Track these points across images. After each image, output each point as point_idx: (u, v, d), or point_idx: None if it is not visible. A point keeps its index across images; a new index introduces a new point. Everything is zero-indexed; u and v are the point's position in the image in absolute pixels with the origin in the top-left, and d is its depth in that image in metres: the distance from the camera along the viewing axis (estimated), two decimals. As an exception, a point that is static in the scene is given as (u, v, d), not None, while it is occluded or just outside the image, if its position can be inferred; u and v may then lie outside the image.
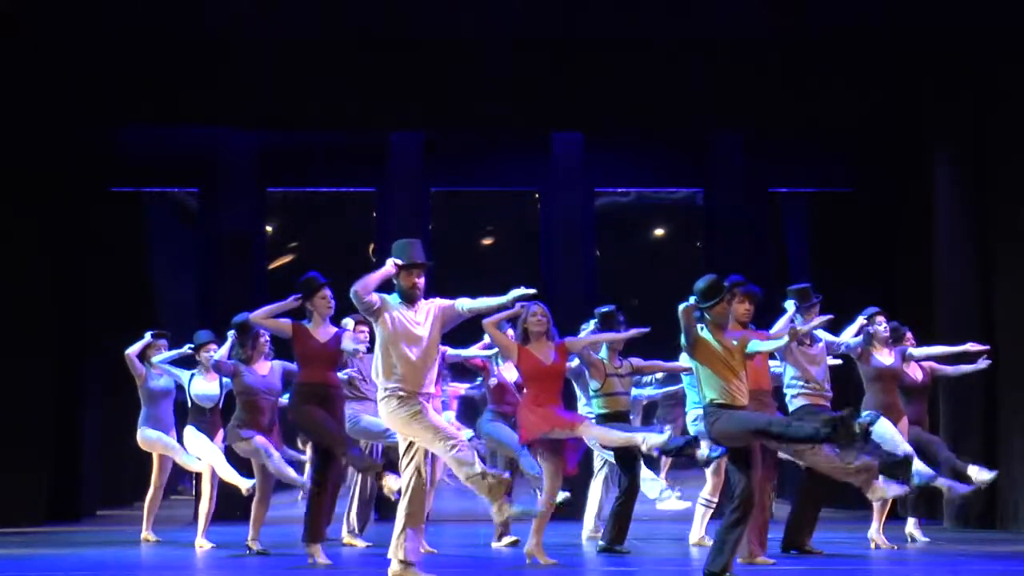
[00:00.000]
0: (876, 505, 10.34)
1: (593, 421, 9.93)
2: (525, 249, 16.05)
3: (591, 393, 10.05)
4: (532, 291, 8.20)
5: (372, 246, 16.34)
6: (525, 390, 9.42)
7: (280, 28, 13.25)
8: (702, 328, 8.03)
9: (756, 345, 8.19)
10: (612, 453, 10.16)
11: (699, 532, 10.52)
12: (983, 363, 10.65)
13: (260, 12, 13.14)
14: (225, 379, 10.63)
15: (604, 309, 10.30)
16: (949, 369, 10.92)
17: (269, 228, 16.25)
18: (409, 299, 7.97)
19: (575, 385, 10.63)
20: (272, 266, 16.80)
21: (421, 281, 8.00)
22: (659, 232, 19.33)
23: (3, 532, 11.97)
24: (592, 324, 10.35)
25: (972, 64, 12.69)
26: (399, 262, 7.94)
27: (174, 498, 15.85)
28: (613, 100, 13.59)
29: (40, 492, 13.19)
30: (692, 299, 8.02)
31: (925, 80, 13.17)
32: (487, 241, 19.25)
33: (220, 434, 10.80)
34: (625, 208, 17.62)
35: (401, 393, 7.80)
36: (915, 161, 13.71)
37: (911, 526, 11.16)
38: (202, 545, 10.54)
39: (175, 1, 13.21)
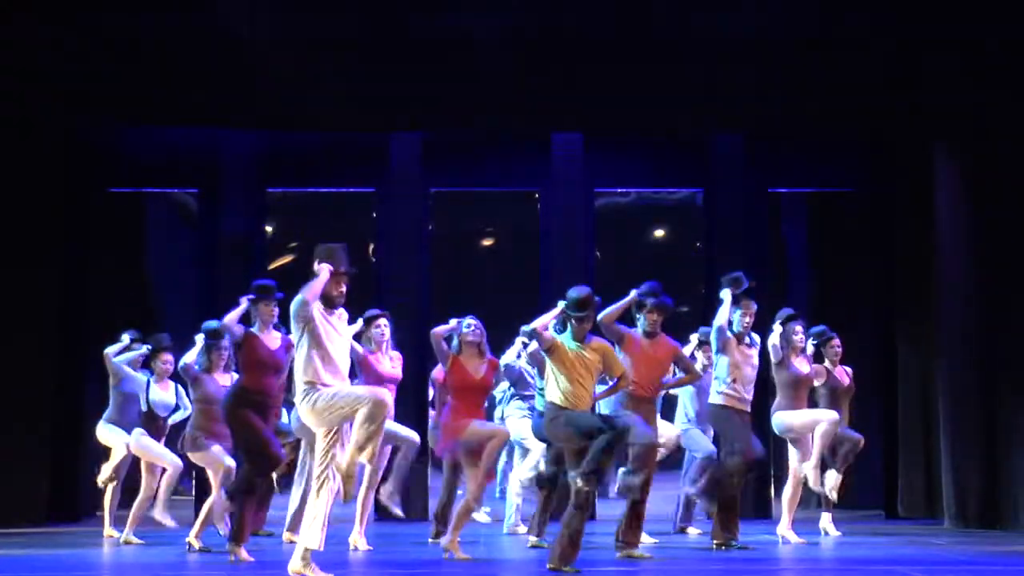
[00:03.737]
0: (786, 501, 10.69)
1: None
2: (525, 249, 16.02)
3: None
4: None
5: (372, 246, 16.32)
6: (449, 401, 9.62)
7: (280, 28, 13.23)
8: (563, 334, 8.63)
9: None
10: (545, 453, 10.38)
11: None
12: None
13: (260, 12, 13.12)
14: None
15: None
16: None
17: (269, 228, 16.23)
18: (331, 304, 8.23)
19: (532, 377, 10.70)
20: (272, 266, 16.79)
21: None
22: (659, 232, 19.34)
23: (3, 532, 11.96)
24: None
25: (972, 63, 12.68)
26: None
27: (175, 499, 15.82)
28: (613, 100, 13.56)
29: (40, 492, 13.19)
30: (562, 304, 8.66)
31: (925, 79, 13.16)
32: (487, 241, 19.25)
33: (163, 442, 10.95)
34: (625, 208, 17.62)
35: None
36: (915, 161, 13.70)
37: (825, 520, 11.33)
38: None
39: (175, 1, 13.19)
